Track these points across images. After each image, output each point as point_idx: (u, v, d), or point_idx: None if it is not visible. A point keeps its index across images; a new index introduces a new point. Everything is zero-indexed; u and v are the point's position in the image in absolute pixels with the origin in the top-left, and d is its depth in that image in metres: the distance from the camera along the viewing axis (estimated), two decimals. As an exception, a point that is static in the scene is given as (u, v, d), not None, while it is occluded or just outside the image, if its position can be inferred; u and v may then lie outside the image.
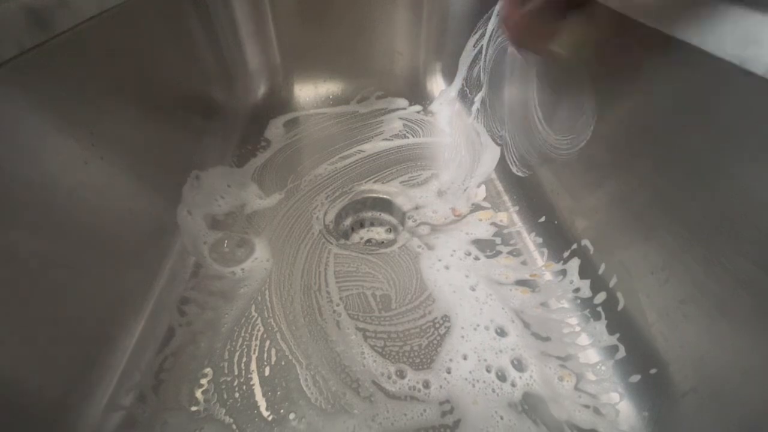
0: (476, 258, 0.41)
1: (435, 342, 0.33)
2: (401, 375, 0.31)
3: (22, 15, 0.27)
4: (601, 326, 0.33)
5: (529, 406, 0.29)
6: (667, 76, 0.27)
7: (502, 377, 0.31)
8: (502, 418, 0.29)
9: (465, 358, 0.32)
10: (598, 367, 0.32)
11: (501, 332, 0.34)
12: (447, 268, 0.40)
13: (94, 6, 0.34)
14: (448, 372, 0.31)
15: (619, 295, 0.32)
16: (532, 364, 0.32)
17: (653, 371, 0.28)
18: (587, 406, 0.29)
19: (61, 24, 0.30)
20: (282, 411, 0.29)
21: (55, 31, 0.30)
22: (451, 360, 0.32)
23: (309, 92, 0.69)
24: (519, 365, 0.32)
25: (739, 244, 0.23)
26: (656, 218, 0.29)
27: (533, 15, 0.27)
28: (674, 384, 0.27)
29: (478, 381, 0.31)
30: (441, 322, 0.35)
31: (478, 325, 0.34)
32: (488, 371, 0.31)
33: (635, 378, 0.30)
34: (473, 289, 0.37)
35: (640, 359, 0.30)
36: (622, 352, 0.31)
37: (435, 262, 0.40)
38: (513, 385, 0.31)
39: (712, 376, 0.24)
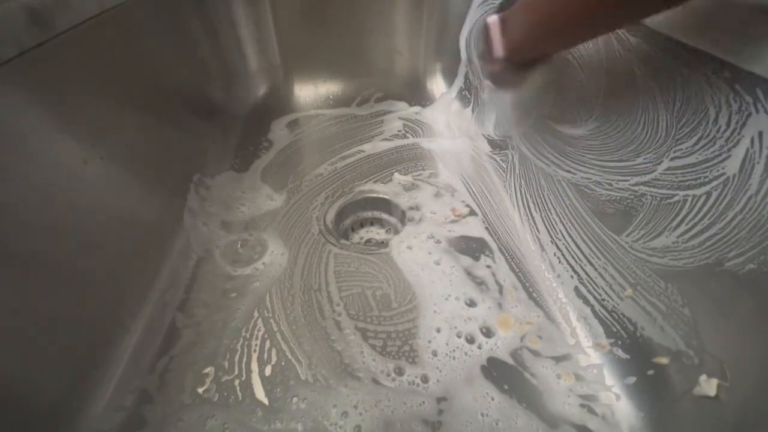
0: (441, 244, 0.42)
1: (410, 327, 0.34)
2: (400, 372, 0.32)
3: (22, 15, 0.27)
4: (598, 326, 0.33)
5: (528, 403, 0.30)
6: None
7: (471, 340, 0.33)
8: (493, 400, 0.29)
9: (439, 331, 0.34)
10: (596, 366, 0.32)
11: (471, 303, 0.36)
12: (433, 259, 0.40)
13: (94, 6, 0.34)
14: (435, 355, 0.32)
15: (618, 295, 0.32)
16: (498, 330, 0.34)
17: (651, 372, 0.29)
18: (584, 406, 0.30)
19: (61, 24, 0.30)
20: (287, 400, 0.30)
21: (55, 31, 0.30)
22: (430, 342, 0.33)
23: (309, 92, 0.69)
24: (487, 332, 0.34)
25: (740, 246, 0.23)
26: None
27: (504, 69, 0.39)
28: (672, 385, 0.27)
29: (456, 350, 0.33)
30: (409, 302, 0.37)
31: (449, 296, 0.37)
32: (458, 337, 0.34)
33: (632, 379, 0.30)
34: (438, 264, 0.40)
35: (638, 360, 0.30)
36: (620, 353, 0.31)
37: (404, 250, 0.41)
38: (480, 347, 0.33)
39: (711, 377, 0.25)
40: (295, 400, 0.30)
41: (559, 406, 0.30)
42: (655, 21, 0.28)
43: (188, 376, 0.31)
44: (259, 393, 0.30)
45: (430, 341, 0.34)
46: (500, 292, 0.38)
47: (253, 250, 0.42)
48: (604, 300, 0.33)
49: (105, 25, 0.35)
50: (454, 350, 0.33)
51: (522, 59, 0.36)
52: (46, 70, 0.29)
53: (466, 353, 0.33)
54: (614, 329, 0.32)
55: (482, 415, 0.29)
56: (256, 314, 0.35)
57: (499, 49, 0.36)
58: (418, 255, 0.41)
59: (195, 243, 0.41)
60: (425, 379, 0.31)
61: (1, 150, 0.25)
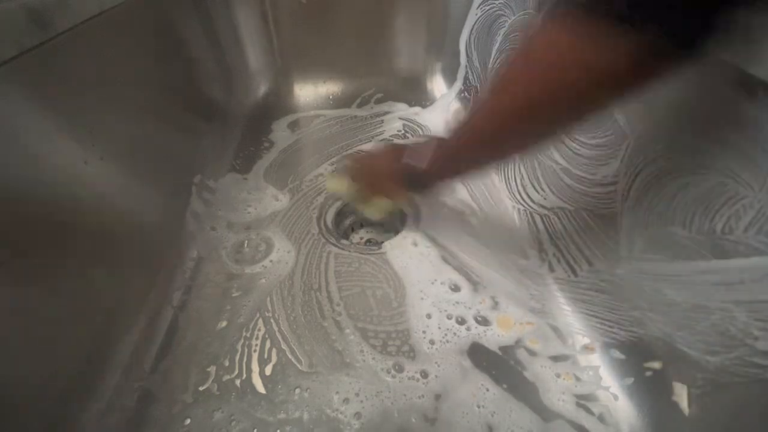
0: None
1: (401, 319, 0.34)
2: (400, 369, 0.32)
3: (22, 15, 0.27)
4: (596, 327, 0.33)
5: (525, 400, 0.30)
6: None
7: (461, 322, 0.35)
8: (488, 391, 0.29)
9: (429, 317, 0.35)
10: (594, 367, 0.32)
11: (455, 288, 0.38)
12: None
13: (94, 6, 0.34)
14: (432, 343, 0.33)
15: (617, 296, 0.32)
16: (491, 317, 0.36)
17: (648, 374, 0.29)
18: (582, 406, 0.30)
19: (61, 24, 0.30)
20: (290, 392, 0.30)
21: (55, 31, 0.30)
22: (424, 332, 0.34)
23: (309, 93, 0.69)
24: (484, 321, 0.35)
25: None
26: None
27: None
28: (671, 386, 0.27)
29: (448, 332, 0.34)
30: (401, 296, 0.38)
31: (450, 297, 0.37)
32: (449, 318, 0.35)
33: (630, 380, 0.30)
34: (437, 263, 0.40)
35: (637, 361, 0.30)
36: (618, 353, 0.31)
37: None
38: (466, 323, 0.35)
39: (709, 377, 0.25)
40: (297, 391, 0.30)
41: (556, 404, 0.30)
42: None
43: (191, 375, 0.31)
44: (263, 388, 0.31)
45: (424, 331, 0.34)
46: (499, 292, 0.38)
47: (257, 249, 0.42)
48: (602, 301, 0.33)
49: (105, 25, 0.35)
50: (446, 335, 0.34)
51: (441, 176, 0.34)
52: (46, 70, 0.29)
53: (457, 335, 0.33)
54: (613, 329, 0.32)
55: (478, 407, 0.29)
56: (257, 314, 0.36)
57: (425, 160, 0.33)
58: (417, 254, 0.41)
59: (200, 245, 0.41)
60: (425, 375, 0.31)
61: (1, 150, 0.25)
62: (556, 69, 0.22)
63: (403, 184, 0.37)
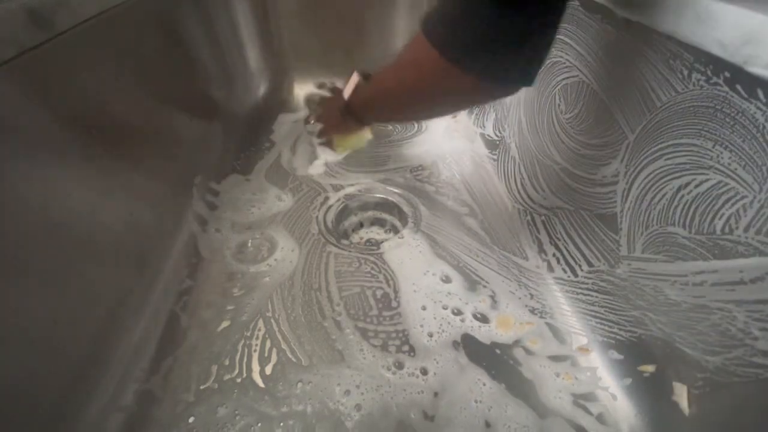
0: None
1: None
2: (400, 366, 0.32)
3: (22, 15, 0.27)
4: (595, 327, 0.33)
5: (523, 398, 0.30)
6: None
7: (457, 313, 0.36)
8: (485, 386, 0.29)
9: (424, 308, 0.36)
10: (593, 368, 0.32)
11: (446, 279, 0.39)
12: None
13: (94, 6, 0.34)
14: (430, 336, 0.34)
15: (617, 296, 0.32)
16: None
17: (646, 375, 0.29)
18: (581, 405, 0.30)
19: (61, 24, 0.30)
20: (292, 387, 0.31)
21: (55, 31, 0.30)
22: (421, 326, 0.35)
23: (309, 92, 0.68)
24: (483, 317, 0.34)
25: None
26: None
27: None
28: (671, 385, 0.27)
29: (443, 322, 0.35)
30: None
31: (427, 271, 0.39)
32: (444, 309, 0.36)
33: (629, 380, 0.30)
34: (436, 263, 0.38)
35: (636, 362, 0.30)
36: (617, 354, 0.31)
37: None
38: (463, 320, 0.35)
39: (709, 377, 0.25)
40: (300, 385, 0.31)
41: (554, 401, 0.30)
42: (657, 20, 0.28)
43: (193, 375, 0.31)
44: (264, 385, 0.31)
45: (420, 326, 0.34)
46: (499, 291, 0.38)
47: (260, 249, 0.42)
48: (602, 301, 0.33)
49: (105, 25, 0.35)
50: (442, 325, 0.34)
51: (358, 115, 0.39)
52: (46, 70, 0.29)
53: (452, 324, 0.33)
54: (613, 330, 0.32)
55: (476, 402, 0.30)
56: (258, 314, 0.36)
57: (347, 93, 0.39)
58: (417, 254, 0.41)
59: (203, 245, 0.42)
60: (424, 371, 0.32)
61: (0, 150, 0.25)
62: (412, 69, 0.29)
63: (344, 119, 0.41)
